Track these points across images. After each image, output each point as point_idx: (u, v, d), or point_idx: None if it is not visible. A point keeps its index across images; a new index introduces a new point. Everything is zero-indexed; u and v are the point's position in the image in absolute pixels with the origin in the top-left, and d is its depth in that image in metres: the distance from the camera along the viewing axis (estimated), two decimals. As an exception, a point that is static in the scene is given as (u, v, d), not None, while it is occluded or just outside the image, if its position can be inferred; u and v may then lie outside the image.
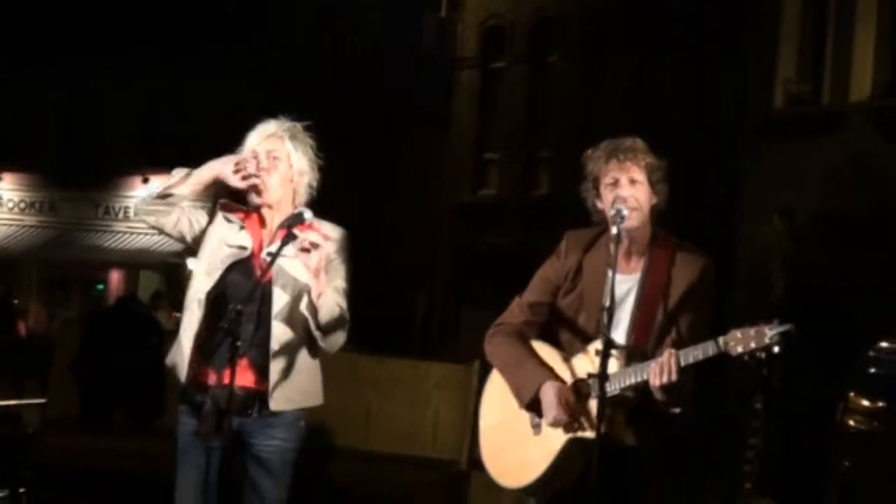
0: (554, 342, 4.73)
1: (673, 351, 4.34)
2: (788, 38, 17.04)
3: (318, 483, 7.05)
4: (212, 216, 4.91)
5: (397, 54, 28.63)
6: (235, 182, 4.79)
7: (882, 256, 13.88)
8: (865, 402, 8.87)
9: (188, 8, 28.45)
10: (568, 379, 4.57)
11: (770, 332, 4.22)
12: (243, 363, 4.70)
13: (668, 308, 4.54)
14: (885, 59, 15.65)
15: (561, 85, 22.89)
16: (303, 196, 4.90)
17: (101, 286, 31.69)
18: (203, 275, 4.83)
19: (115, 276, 31.64)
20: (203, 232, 4.89)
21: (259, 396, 4.76)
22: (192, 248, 4.93)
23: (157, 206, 4.85)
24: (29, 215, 31.63)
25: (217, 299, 4.76)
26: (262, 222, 4.89)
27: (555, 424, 4.52)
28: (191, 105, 28.06)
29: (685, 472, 4.80)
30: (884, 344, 9.08)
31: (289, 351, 4.78)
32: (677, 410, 4.45)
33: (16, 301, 23.71)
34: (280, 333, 4.76)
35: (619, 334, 4.51)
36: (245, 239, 4.83)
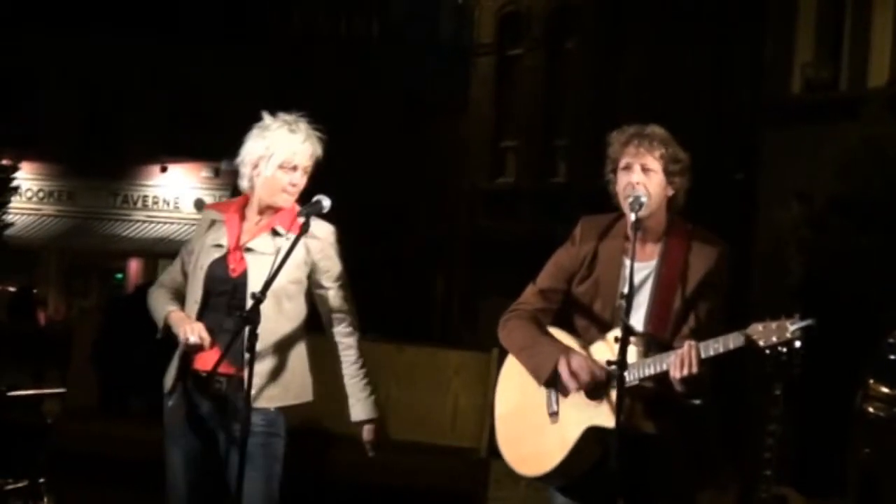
0: (569, 330, 4.69)
1: (693, 343, 4.30)
2: (806, 24, 17.02)
3: (336, 470, 7.05)
4: (199, 229, 5.01)
5: (417, 42, 28.68)
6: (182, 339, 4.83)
7: (898, 241, 13.85)
8: (885, 389, 8.87)
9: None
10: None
11: (792, 328, 4.19)
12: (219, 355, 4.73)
13: (686, 295, 4.51)
14: (903, 47, 15.64)
15: (578, 71, 22.86)
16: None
17: (120, 275, 31.79)
18: (192, 278, 4.92)
19: (134, 265, 31.73)
20: (192, 253, 4.99)
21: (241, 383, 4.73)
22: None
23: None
24: (48, 204, 31.72)
25: (203, 298, 4.84)
26: (243, 216, 4.94)
27: (584, 390, 4.46)
28: (209, 94, 28.09)
29: (704, 459, 4.79)
30: (902, 331, 9.09)
31: (271, 346, 4.77)
32: (697, 402, 4.43)
33: (35, 291, 23.77)
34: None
35: (637, 321, 4.47)
36: (222, 237, 4.89)
